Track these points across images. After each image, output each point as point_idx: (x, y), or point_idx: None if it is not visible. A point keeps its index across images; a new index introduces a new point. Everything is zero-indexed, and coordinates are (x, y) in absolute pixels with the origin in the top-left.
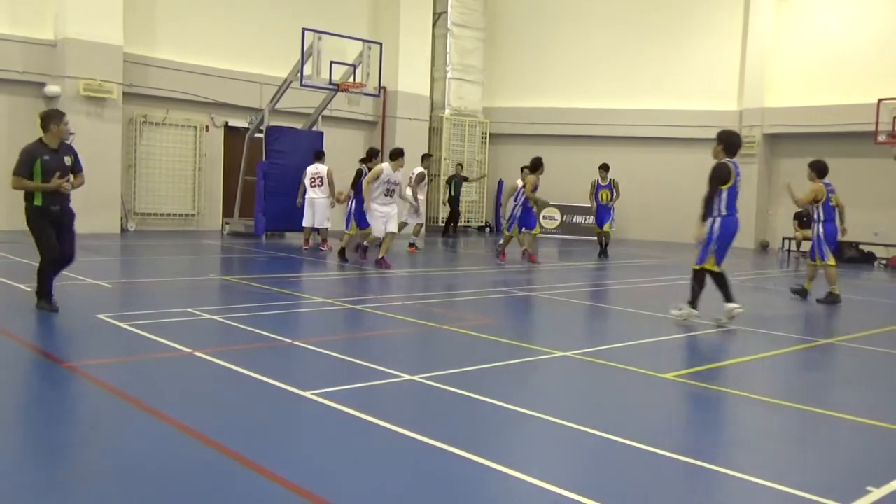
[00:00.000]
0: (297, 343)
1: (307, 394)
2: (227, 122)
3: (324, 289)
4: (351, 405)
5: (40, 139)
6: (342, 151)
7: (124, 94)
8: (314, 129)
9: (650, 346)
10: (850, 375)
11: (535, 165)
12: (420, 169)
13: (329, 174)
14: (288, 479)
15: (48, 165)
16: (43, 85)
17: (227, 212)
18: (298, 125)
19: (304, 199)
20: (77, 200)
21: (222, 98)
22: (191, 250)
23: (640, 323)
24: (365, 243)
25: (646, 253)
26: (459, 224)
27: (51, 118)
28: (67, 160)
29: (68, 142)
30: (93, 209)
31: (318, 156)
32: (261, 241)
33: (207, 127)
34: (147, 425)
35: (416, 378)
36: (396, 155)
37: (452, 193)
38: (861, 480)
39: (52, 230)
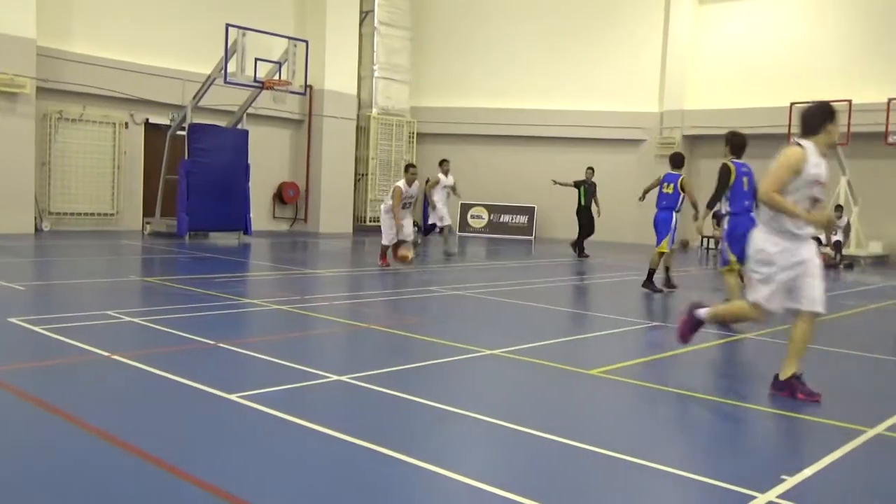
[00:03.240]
0: (221, 345)
1: (232, 396)
2: (147, 119)
3: (250, 289)
4: (277, 407)
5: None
6: (268, 150)
7: (38, 88)
8: (239, 127)
9: (575, 343)
10: (767, 368)
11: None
12: None
13: None
14: (213, 484)
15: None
16: None
17: (148, 211)
18: (223, 123)
19: None
20: None
21: (142, 94)
22: (110, 251)
23: (567, 320)
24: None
25: (570, 251)
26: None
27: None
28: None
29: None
30: (3, 208)
31: None
32: (184, 242)
33: (127, 124)
34: (64, 432)
35: (343, 378)
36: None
37: (583, 203)
38: (776, 469)
39: None
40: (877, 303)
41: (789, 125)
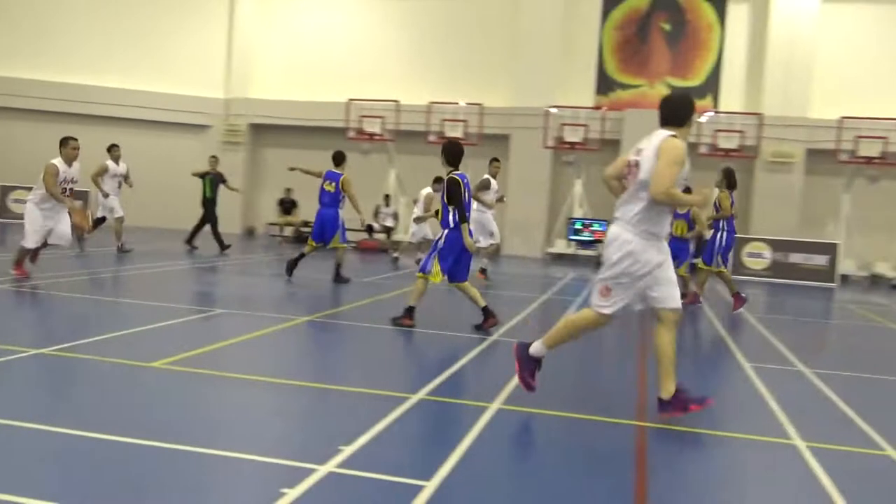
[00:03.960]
0: None
1: None
2: None
3: None
4: None
5: None
6: None
7: None
8: None
9: (139, 336)
10: (324, 347)
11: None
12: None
13: None
14: None
15: None
16: None
17: None
18: None
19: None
20: None
21: None
22: None
23: (129, 312)
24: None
25: (129, 239)
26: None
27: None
28: None
29: None
30: None
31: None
32: None
33: None
34: None
35: None
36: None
37: (208, 194)
38: (334, 441)
39: None
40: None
41: (347, 119)
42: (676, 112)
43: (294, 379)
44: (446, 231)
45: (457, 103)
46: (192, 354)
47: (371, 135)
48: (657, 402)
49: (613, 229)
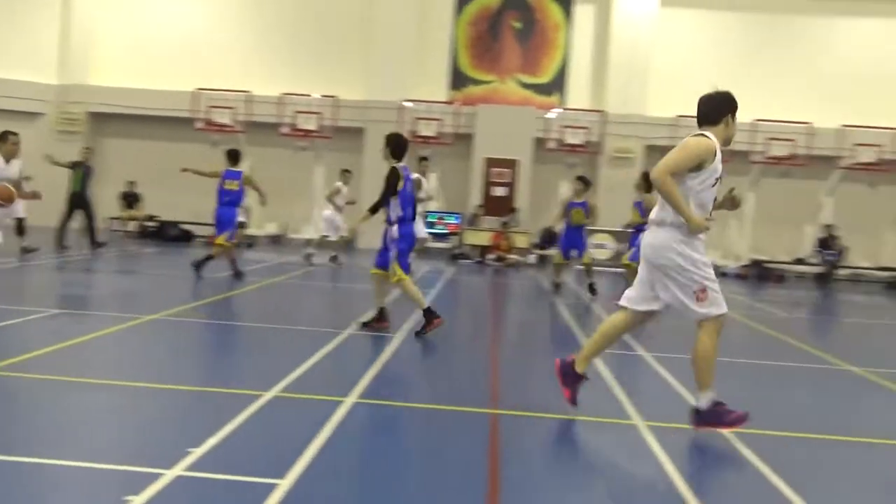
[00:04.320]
0: None
1: None
2: None
3: None
4: None
5: None
6: None
7: None
8: None
9: None
10: (172, 346)
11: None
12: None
13: None
14: None
15: None
16: None
17: None
18: None
19: None
20: None
21: None
22: None
23: None
24: None
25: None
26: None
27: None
28: None
29: None
30: None
31: None
32: None
33: None
34: None
35: None
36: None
37: (78, 188)
38: (182, 444)
39: None
40: (273, 278)
41: (195, 110)
42: (709, 111)
43: (138, 381)
44: (396, 226)
45: (310, 95)
46: (25, 358)
47: (221, 126)
48: (558, 363)
49: (657, 235)
